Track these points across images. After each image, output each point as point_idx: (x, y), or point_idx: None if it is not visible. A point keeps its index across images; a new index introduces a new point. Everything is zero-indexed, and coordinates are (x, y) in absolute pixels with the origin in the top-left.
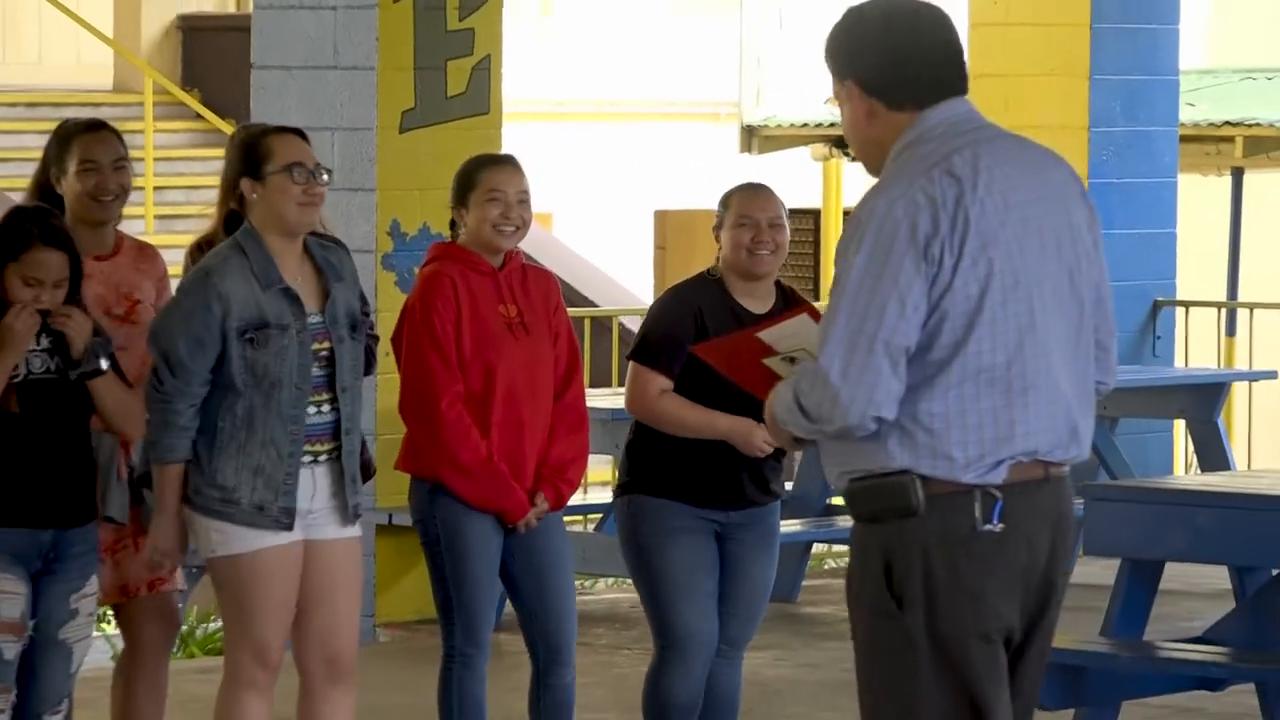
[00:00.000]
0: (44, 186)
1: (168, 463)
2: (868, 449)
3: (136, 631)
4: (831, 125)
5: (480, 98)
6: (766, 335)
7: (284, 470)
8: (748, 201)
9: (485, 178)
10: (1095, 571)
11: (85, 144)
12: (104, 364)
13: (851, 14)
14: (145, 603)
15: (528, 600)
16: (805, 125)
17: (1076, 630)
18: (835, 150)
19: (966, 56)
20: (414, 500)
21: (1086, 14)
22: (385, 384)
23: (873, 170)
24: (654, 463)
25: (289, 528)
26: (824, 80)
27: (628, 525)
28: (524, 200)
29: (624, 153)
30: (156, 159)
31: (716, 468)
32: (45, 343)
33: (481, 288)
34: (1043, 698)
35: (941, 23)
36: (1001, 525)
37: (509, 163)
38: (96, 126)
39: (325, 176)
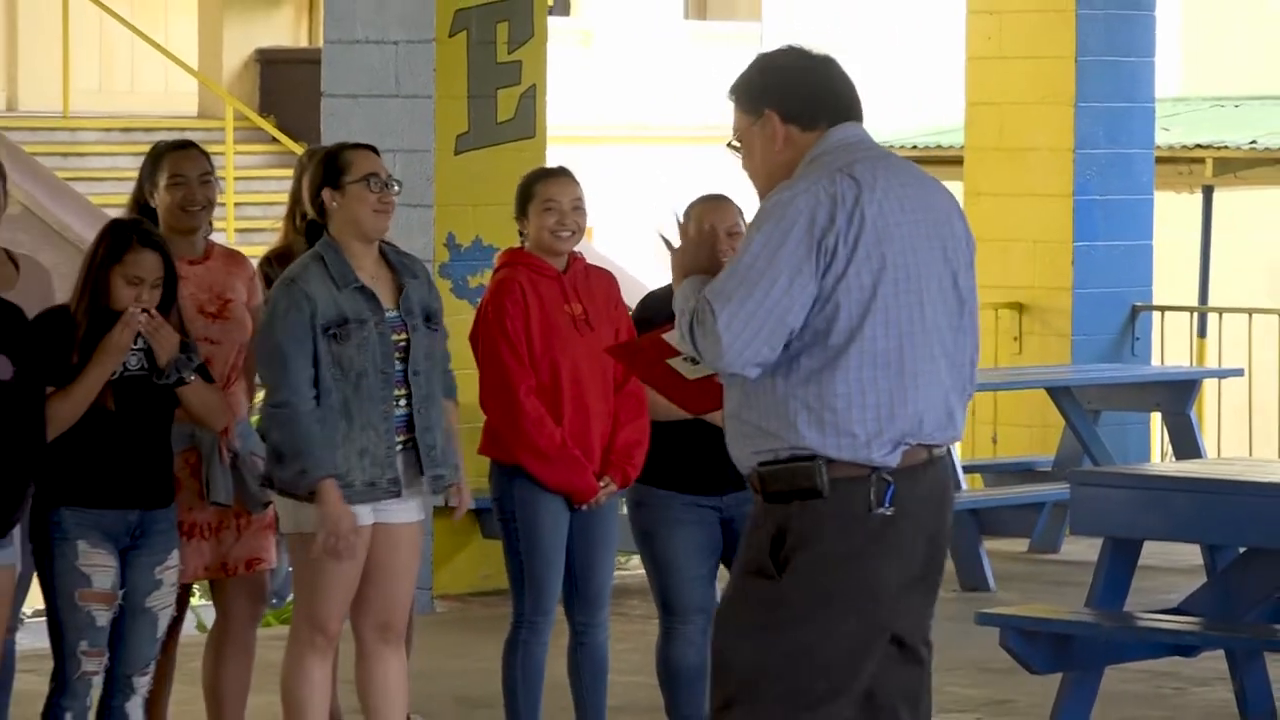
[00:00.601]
0: (140, 203)
1: (321, 480)
2: (780, 431)
3: (229, 605)
4: None
5: (527, 123)
6: (670, 337)
7: (385, 445)
8: (708, 212)
9: (541, 189)
10: (1080, 550)
11: (175, 161)
12: (189, 376)
13: (762, 59)
14: (240, 580)
15: (575, 567)
16: None
17: (1064, 602)
18: None
19: (964, 87)
20: (494, 481)
21: (1072, 48)
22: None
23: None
24: (653, 455)
25: (398, 494)
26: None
27: (633, 512)
28: (578, 207)
29: (657, 173)
30: (236, 178)
31: (704, 456)
32: (140, 343)
33: (548, 289)
34: (1034, 662)
35: (836, 63)
36: (893, 509)
37: (563, 174)
38: (185, 145)
39: (396, 187)
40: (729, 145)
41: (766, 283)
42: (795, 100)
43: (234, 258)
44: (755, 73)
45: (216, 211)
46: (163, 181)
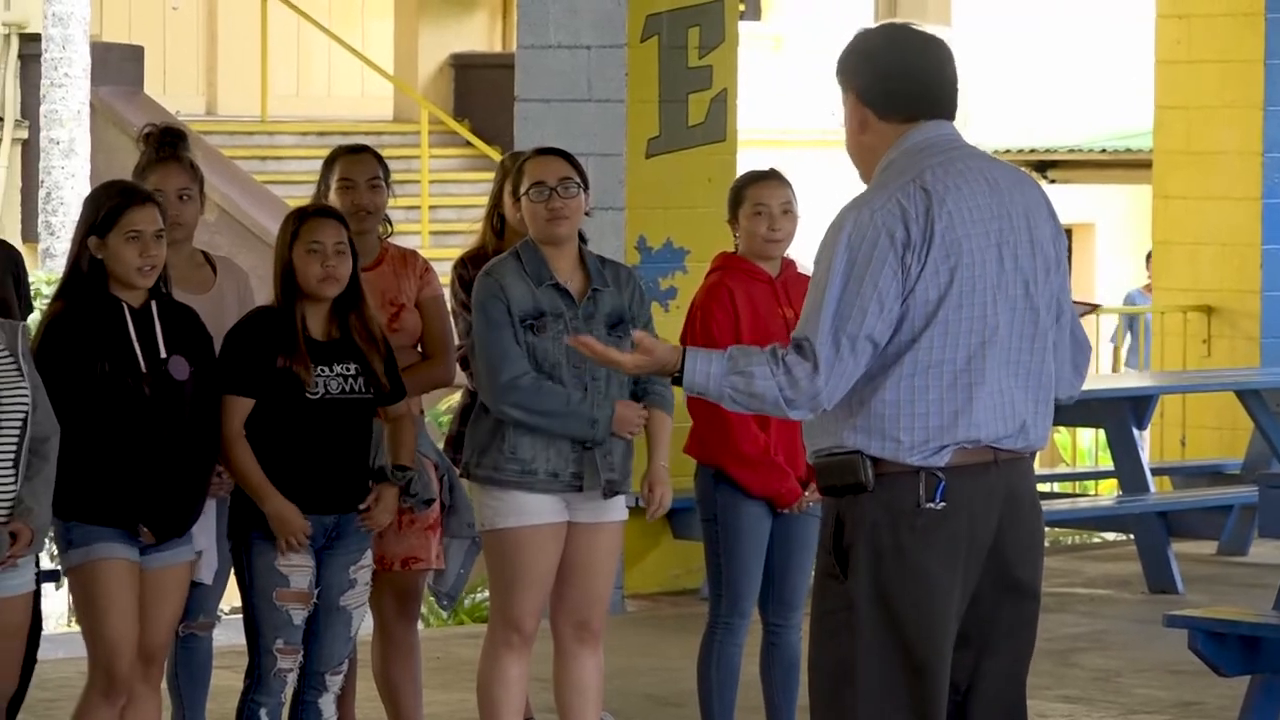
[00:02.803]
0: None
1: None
2: (830, 429)
3: (381, 601)
4: (1032, 151)
5: (717, 127)
6: None
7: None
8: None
9: (751, 193)
10: (1268, 552)
11: (345, 165)
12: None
13: (859, 36)
14: (394, 577)
15: (773, 569)
16: (1008, 152)
17: (1252, 605)
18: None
19: (1153, 91)
20: (698, 483)
21: (1261, 51)
22: None
23: (865, 177)
24: None
25: (580, 489)
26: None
27: None
28: (788, 211)
29: (846, 176)
30: (431, 181)
31: None
32: (348, 369)
33: (760, 294)
34: (1222, 665)
35: (940, 51)
36: (944, 504)
37: (772, 177)
38: (358, 150)
39: (571, 189)
40: (834, 114)
41: (859, 312)
42: (875, 86)
43: (404, 259)
44: (849, 50)
45: (410, 215)
46: (334, 184)
